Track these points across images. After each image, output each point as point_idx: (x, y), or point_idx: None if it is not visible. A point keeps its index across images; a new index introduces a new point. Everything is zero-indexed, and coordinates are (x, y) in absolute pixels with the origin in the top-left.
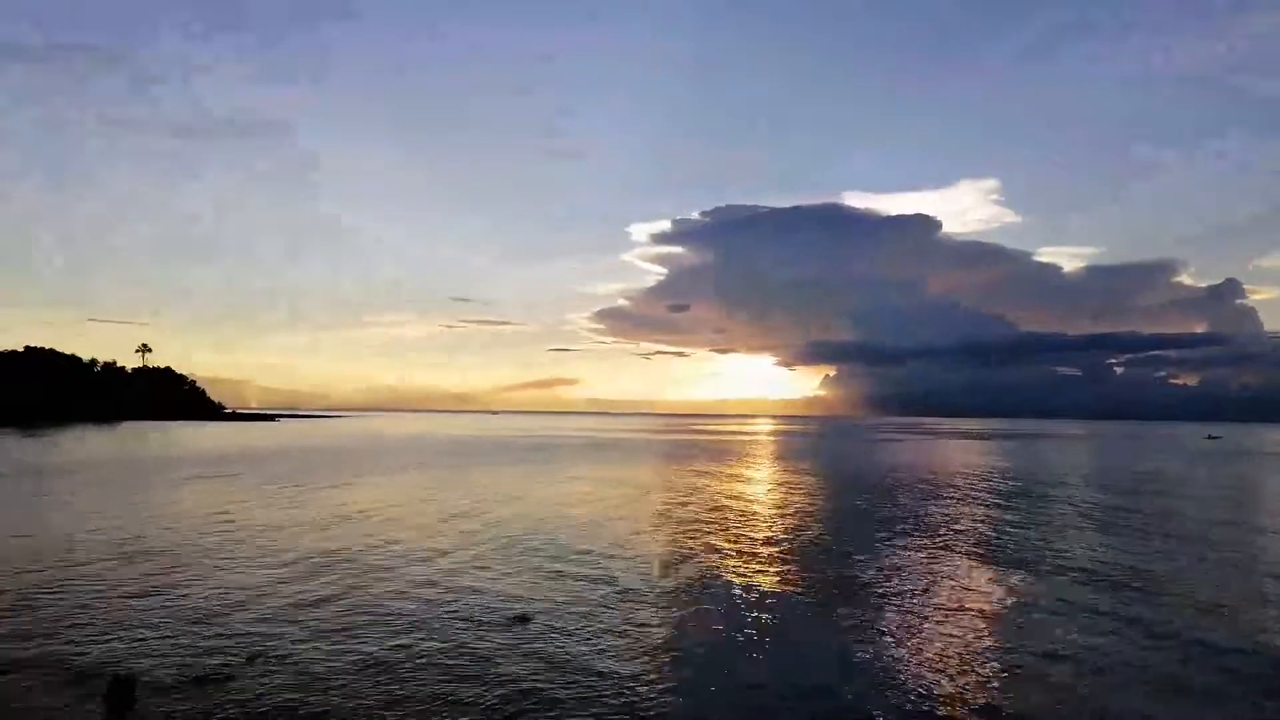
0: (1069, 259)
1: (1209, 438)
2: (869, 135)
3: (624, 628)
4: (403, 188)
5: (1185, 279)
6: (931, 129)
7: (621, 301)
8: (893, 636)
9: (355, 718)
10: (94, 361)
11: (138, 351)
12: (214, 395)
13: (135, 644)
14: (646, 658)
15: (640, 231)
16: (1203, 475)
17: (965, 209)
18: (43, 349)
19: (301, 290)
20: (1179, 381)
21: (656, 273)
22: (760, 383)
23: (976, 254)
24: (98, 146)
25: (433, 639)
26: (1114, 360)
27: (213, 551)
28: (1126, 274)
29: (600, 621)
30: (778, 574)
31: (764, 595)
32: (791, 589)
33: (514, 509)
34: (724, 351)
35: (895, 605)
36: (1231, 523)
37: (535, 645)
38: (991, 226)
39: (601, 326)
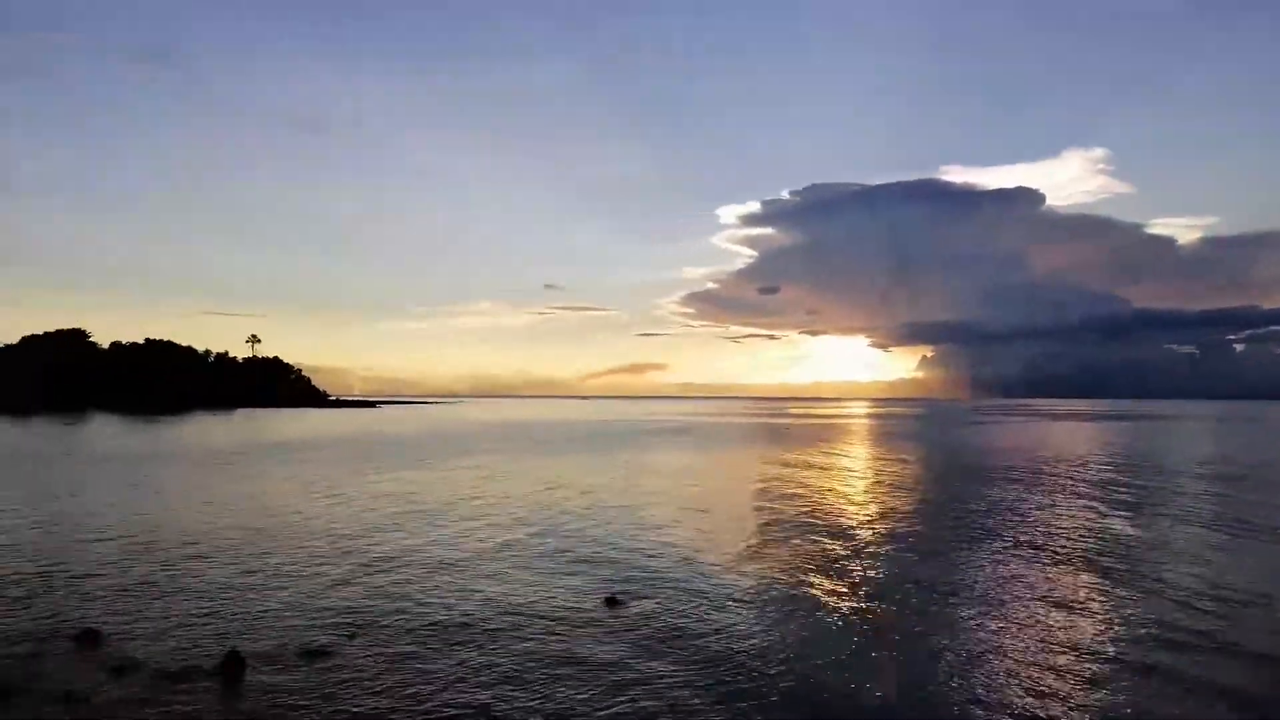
0: (1184, 230)
1: None
2: (966, 107)
3: (711, 614)
4: (493, 179)
5: None
6: (1033, 97)
7: (710, 285)
8: (982, 643)
9: (452, 704)
10: (208, 352)
11: (248, 342)
12: (319, 383)
13: (245, 620)
14: (731, 650)
15: (729, 214)
16: None
17: (1071, 180)
18: (161, 340)
19: (398, 281)
20: None
21: (746, 255)
22: (854, 365)
23: (1084, 227)
24: (198, 141)
25: (529, 622)
26: (1234, 337)
27: (317, 532)
28: (1245, 244)
29: (689, 605)
30: (876, 569)
31: (862, 590)
32: (890, 586)
33: (601, 493)
34: (815, 334)
35: (986, 608)
36: None
37: (627, 629)
38: (1099, 198)
39: (690, 310)
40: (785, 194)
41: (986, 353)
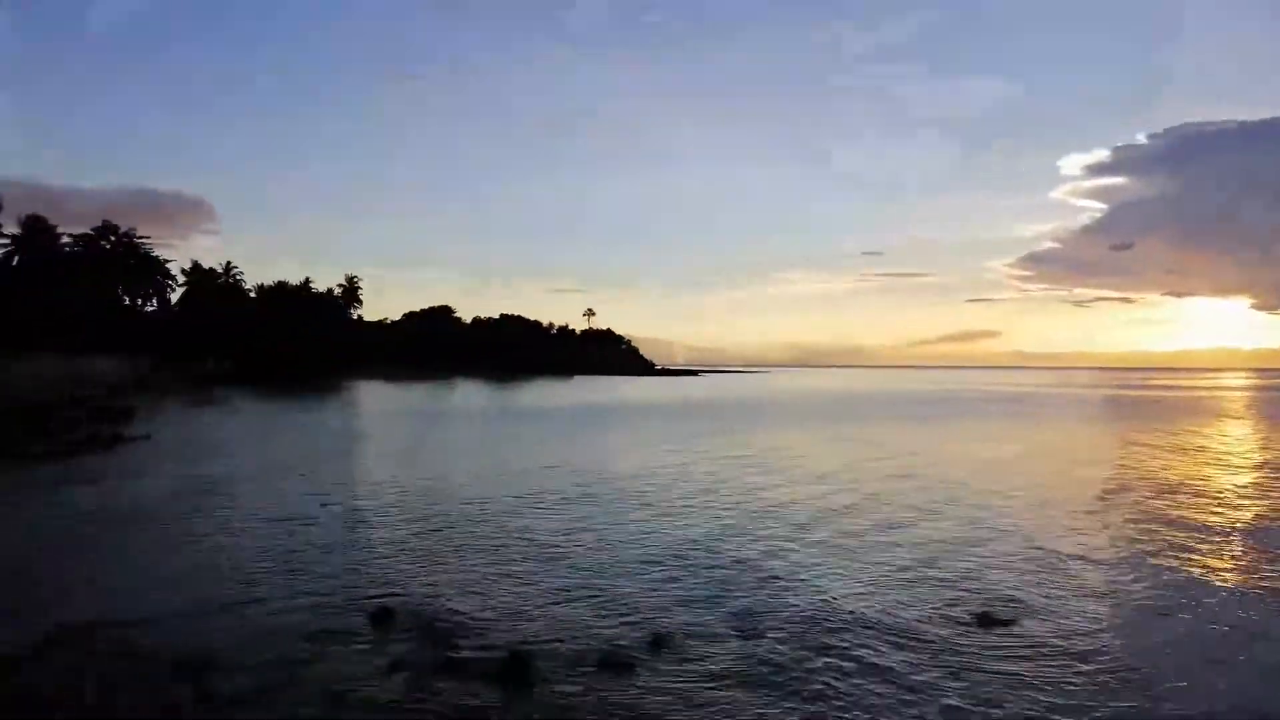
0: None
1: None
2: None
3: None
4: (803, 148)
5: None
6: None
7: (1050, 244)
8: None
9: None
10: (551, 325)
11: (584, 315)
12: (646, 353)
13: (539, 608)
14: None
15: (1072, 164)
16: None
17: None
18: (513, 315)
19: (716, 255)
20: None
21: (1093, 209)
22: (1229, 331)
23: None
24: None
25: (889, 637)
26: None
27: (656, 504)
28: None
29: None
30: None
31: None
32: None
33: (947, 472)
34: (1180, 295)
35: None
36: None
37: (1008, 651)
38: None
39: (1027, 273)
40: (1142, 138)
41: None
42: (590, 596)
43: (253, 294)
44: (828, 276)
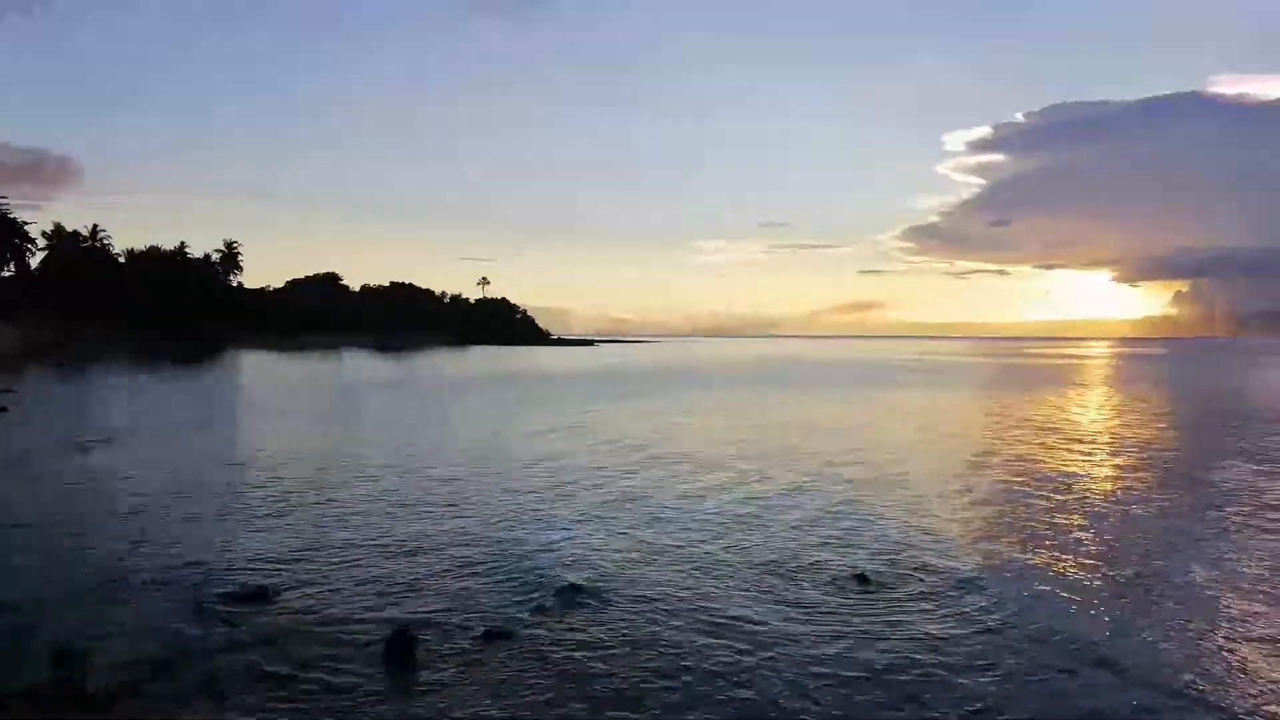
0: None
1: None
2: (1242, 6)
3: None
4: (707, 114)
5: None
6: None
7: (934, 218)
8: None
9: (648, 704)
10: (444, 293)
11: (479, 284)
12: (542, 323)
13: (423, 586)
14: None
15: (956, 140)
16: None
17: None
18: (404, 283)
19: (618, 221)
20: None
21: (974, 184)
22: (1095, 303)
23: None
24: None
25: (769, 599)
26: None
27: (516, 476)
28: None
29: (933, 587)
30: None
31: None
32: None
33: (833, 441)
34: (1051, 268)
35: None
36: None
37: (878, 611)
38: None
39: (912, 245)
40: (1019, 116)
41: (1257, 286)
42: (481, 569)
43: (123, 259)
44: (727, 246)
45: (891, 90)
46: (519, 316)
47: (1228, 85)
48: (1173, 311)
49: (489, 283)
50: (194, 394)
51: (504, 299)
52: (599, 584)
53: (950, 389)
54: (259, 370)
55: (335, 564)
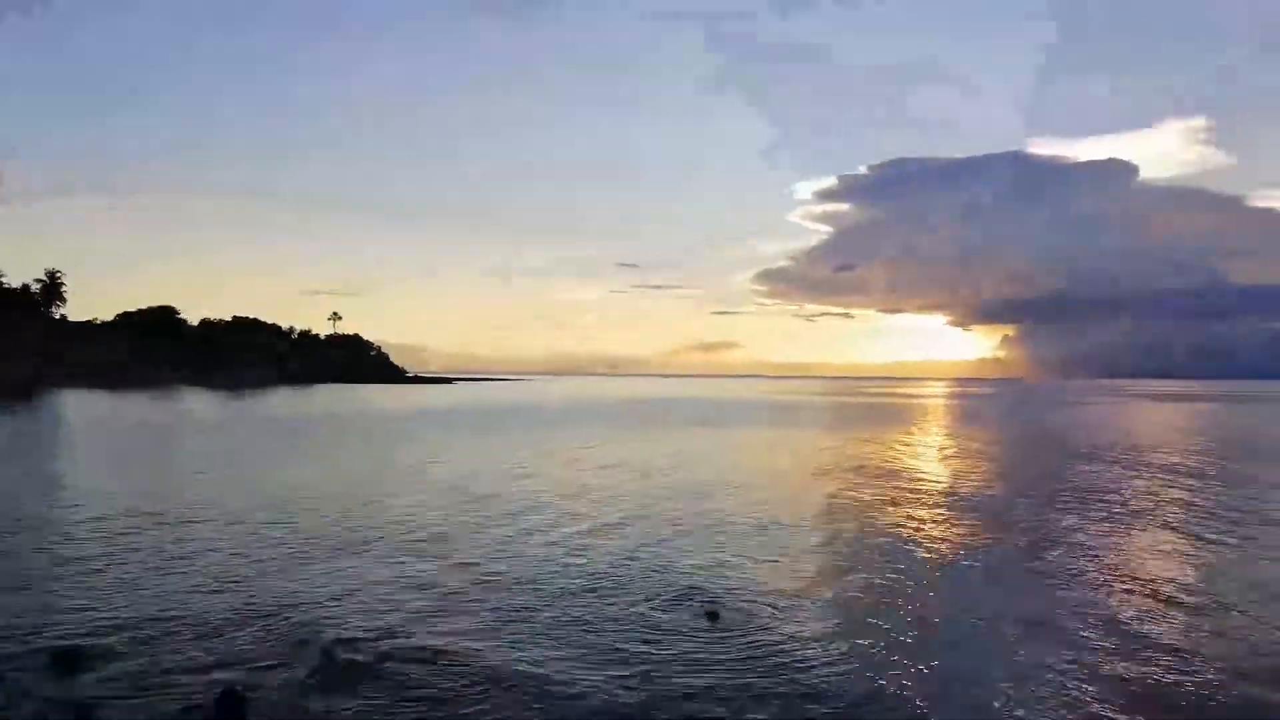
0: None
1: None
2: (1055, 77)
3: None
4: (562, 158)
5: None
6: (1127, 64)
7: (784, 262)
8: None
9: None
10: (292, 329)
11: (330, 319)
12: (398, 360)
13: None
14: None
15: (804, 189)
16: None
17: (1168, 152)
18: (248, 318)
19: (479, 258)
20: None
21: (821, 232)
22: (932, 345)
23: (1180, 200)
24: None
25: (611, 634)
26: None
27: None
28: None
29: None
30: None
31: (939, 588)
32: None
33: (685, 476)
34: (892, 312)
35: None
36: None
37: (728, 643)
38: (1197, 170)
39: (764, 288)
40: (863, 169)
41: (1074, 331)
42: (285, 616)
43: None
44: (586, 284)
45: (745, 139)
46: (372, 353)
47: (1043, 146)
48: (1001, 354)
49: (341, 318)
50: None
51: (356, 335)
52: (394, 640)
53: (796, 427)
54: (70, 411)
55: (152, 620)
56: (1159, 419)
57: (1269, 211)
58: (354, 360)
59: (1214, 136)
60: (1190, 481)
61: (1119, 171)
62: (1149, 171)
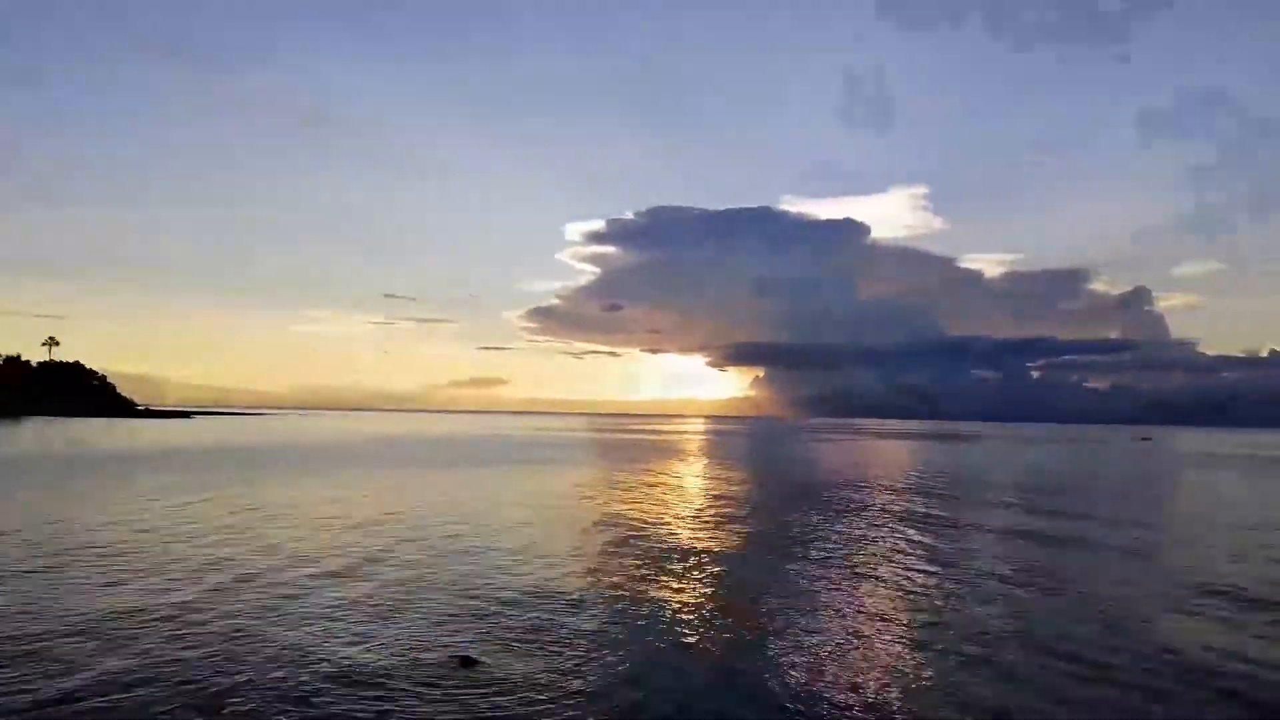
0: (992, 265)
1: (1143, 439)
2: (803, 143)
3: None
4: (324, 198)
5: (1099, 286)
6: (866, 134)
7: (555, 300)
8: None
9: None
10: None
11: (44, 345)
12: (128, 392)
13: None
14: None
15: (574, 230)
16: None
17: (895, 215)
18: None
19: (227, 286)
20: (1092, 385)
21: (590, 272)
22: (692, 383)
23: (904, 259)
24: None
25: (362, 686)
26: (1032, 364)
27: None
28: (1045, 280)
29: (541, 658)
30: (715, 582)
31: (701, 609)
32: (719, 601)
33: (444, 516)
34: (656, 351)
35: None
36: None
37: (484, 693)
38: (920, 232)
39: (534, 325)
40: (630, 214)
41: (813, 374)
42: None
43: None
44: (344, 316)
45: (517, 178)
46: (95, 383)
47: (792, 204)
48: (752, 393)
49: (58, 343)
50: None
51: (77, 362)
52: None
53: (562, 463)
54: None
55: None
56: (871, 452)
57: (975, 271)
58: (72, 391)
59: (933, 203)
60: (891, 496)
61: (854, 230)
62: (879, 232)
